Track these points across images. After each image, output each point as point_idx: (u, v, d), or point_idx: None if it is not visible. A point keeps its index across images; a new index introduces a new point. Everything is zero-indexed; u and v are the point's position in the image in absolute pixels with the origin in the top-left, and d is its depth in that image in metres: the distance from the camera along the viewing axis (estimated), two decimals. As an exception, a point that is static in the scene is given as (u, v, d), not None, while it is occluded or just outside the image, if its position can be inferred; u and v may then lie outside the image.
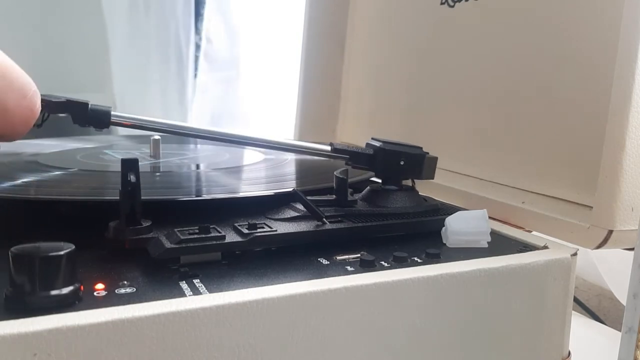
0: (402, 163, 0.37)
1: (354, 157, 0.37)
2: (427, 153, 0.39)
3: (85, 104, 0.33)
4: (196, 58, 1.22)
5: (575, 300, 0.61)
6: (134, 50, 1.25)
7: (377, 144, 0.37)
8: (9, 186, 0.37)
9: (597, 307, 0.63)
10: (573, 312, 0.34)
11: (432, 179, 0.39)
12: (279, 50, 1.07)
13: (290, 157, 0.54)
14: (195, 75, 1.22)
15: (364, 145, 0.39)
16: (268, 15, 1.11)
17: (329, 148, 0.37)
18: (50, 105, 0.33)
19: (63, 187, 0.39)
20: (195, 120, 1.23)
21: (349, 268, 0.29)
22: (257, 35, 1.14)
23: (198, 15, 1.22)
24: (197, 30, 1.22)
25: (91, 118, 0.33)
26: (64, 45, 1.31)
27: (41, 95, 0.32)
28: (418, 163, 0.37)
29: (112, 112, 0.33)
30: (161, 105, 1.25)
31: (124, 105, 1.33)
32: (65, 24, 1.31)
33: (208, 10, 1.20)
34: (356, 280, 0.27)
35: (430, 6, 0.54)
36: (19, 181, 0.39)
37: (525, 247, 0.34)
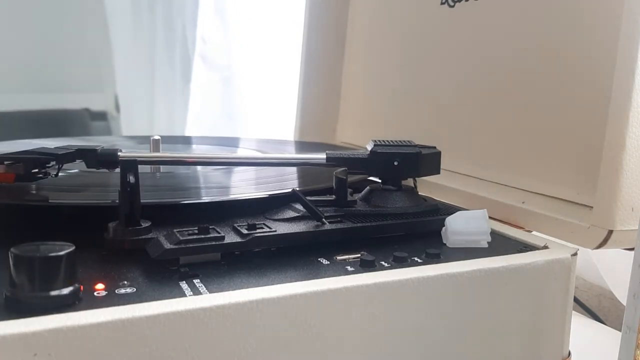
0: (396, 163, 0.37)
1: (349, 163, 0.37)
2: (434, 147, 0.39)
3: (94, 150, 0.36)
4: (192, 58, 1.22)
5: (575, 300, 0.61)
6: (138, 50, 1.25)
7: (370, 147, 0.37)
8: (10, 187, 0.37)
9: (597, 307, 0.63)
10: (573, 312, 0.34)
11: (438, 173, 0.39)
12: (279, 50, 1.07)
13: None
14: (191, 76, 1.23)
15: (364, 146, 0.39)
16: (269, 15, 1.11)
17: (324, 156, 0.37)
18: (63, 157, 0.36)
19: (63, 188, 0.39)
20: (195, 121, 1.23)
21: (349, 268, 0.29)
22: (257, 35, 1.14)
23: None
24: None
25: (101, 161, 0.36)
26: (65, 44, 1.31)
27: (54, 147, 0.37)
28: (413, 162, 0.37)
29: (119, 153, 0.35)
30: (165, 105, 1.25)
31: (127, 105, 1.33)
32: (66, 23, 1.31)
33: (203, 11, 1.19)
34: (356, 280, 0.27)
35: (430, 6, 0.54)
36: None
37: (525, 247, 0.34)
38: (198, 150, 0.62)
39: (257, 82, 1.16)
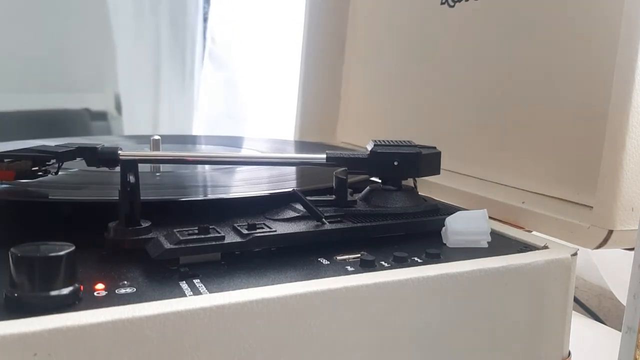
0: (396, 163, 0.37)
1: (349, 163, 0.37)
2: (434, 147, 0.39)
3: (95, 148, 0.36)
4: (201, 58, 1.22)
5: (575, 300, 0.61)
6: (140, 49, 1.25)
7: (370, 146, 0.38)
8: (10, 186, 0.37)
9: (597, 307, 0.63)
10: (573, 312, 0.34)
11: (438, 174, 0.39)
12: (280, 50, 1.07)
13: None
14: (194, 75, 1.23)
15: (364, 146, 0.39)
16: (268, 15, 1.11)
17: (324, 156, 0.37)
18: (63, 155, 0.36)
19: (63, 188, 0.39)
20: (196, 121, 1.23)
21: (349, 268, 0.29)
22: (257, 35, 1.14)
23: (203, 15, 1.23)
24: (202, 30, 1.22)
25: (102, 159, 0.35)
26: (66, 44, 1.31)
27: (55, 145, 0.36)
28: (413, 162, 0.37)
29: (119, 152, 0.35)
30: (168, 105, 1.25)
31: (129, 105, 1.33)
32: (67, 22, 1.31)
33: (213, 10, 1.20)
34: (356, 280, 0.27)
35: (430, 6, 0.54)
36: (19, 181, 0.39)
37: (525, 247, 0.34)
38: (198, 150, 0.62)
39: (257, 82, 1.16)
